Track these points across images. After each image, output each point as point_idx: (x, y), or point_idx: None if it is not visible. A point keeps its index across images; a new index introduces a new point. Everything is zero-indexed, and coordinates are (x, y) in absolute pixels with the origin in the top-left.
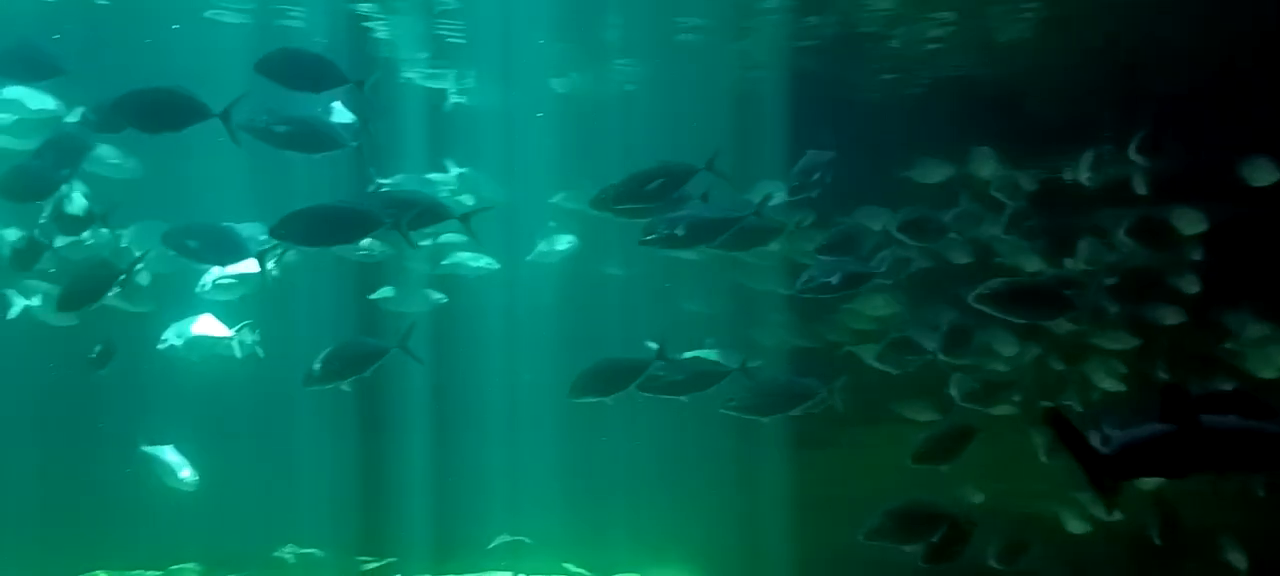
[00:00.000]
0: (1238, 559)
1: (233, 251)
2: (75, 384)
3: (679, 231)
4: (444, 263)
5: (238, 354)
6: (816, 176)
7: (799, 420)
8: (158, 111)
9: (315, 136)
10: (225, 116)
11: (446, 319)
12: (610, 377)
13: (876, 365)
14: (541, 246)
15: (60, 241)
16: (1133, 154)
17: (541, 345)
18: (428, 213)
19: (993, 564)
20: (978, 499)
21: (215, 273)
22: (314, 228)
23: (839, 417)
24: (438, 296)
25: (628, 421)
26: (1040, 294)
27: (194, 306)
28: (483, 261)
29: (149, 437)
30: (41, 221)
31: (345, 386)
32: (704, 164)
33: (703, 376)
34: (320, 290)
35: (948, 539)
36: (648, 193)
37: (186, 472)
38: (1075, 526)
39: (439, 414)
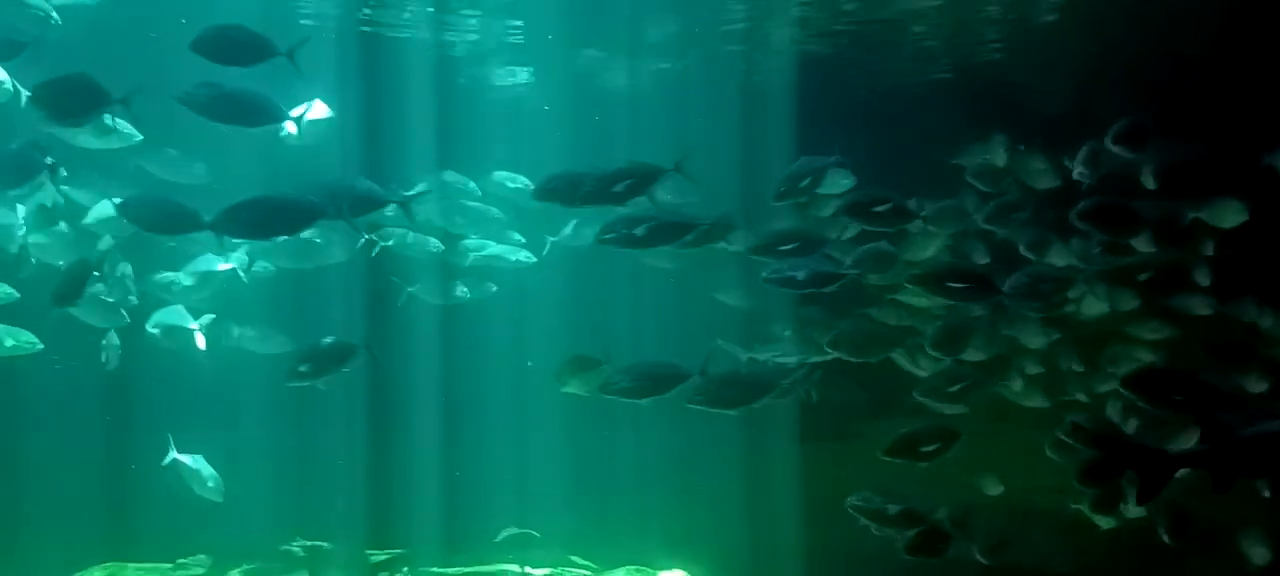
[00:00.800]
0: (1258, 553)
1: (186, 223)
2: (86, 377)
3: (638, 231)
4: (481, 254)
5: (202, 346)
6: (806, 182)
7: (810, 413)
8: (61, 98)
9: (252, 110)
10: (125, 103)
11: (456, 312)
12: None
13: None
14: (557, 236)
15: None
16: (1109, 144)
17: (551, 337)
18: (366, 199)
19: (979, 557)
20: (996, 491)
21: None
22: (255, 219)
23: (851, 411)
24: (463, 289)
25: (636, 415)
26: (970, 278)
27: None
28: (521, 255)
29: (179, 443)
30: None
31: (320, 385)
32: (672, 165)
33: (661, 381)
34: (331, 284)
35: (929, 536)
36: (615, 193)
37: (215, 483)
38: (1103, 521)
39: (447, 407)
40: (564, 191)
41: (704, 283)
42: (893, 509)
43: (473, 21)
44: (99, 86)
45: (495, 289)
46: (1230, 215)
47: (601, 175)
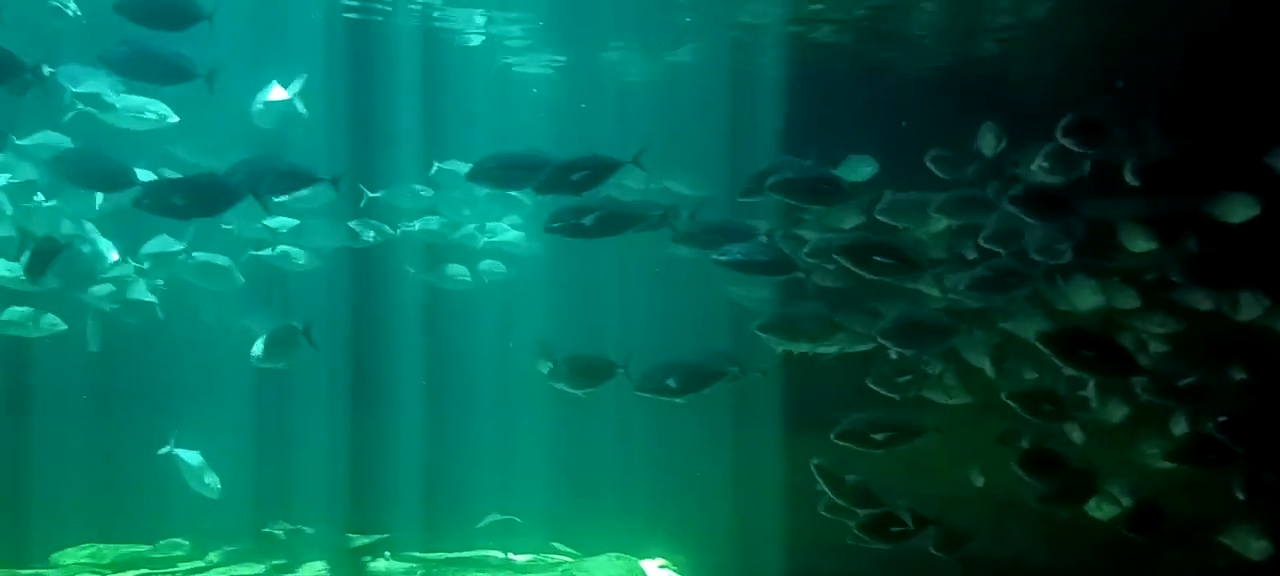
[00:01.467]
0: (1242, 547)
1: (118, 181)
2: (72, 358)
3: (586, 221)
4: (492, 242)
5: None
6: (772, 182)
7: (797, 403)
8: None
9: (167, 69)
10: (36, 73)
11: (440, 299)
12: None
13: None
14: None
15: None
16: (1059, 136)
17: (536, 323)
18: (288, 177)
19: (932, 550)
20: (979, 483)
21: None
22: (172, 200)
23: (839, 400)
24: (465, 275)
25: (621, 402)
26: (895, 254)
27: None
28: (532, 247)
29: (164, 426)
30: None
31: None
32: (631, 157)
33: (596, 373)
34: (317, 272)
35: (882, 520)
36: (573, 182)
37: (211, 480)
38: (1102, 512)
39: (431, 393)
40: (497, 174)
41: (699, 272)
42: (851, 479)
43: (476, 9)
44: (17, 59)
45: (505, 270)
46: (1239, 210)
47: (558, 165)
